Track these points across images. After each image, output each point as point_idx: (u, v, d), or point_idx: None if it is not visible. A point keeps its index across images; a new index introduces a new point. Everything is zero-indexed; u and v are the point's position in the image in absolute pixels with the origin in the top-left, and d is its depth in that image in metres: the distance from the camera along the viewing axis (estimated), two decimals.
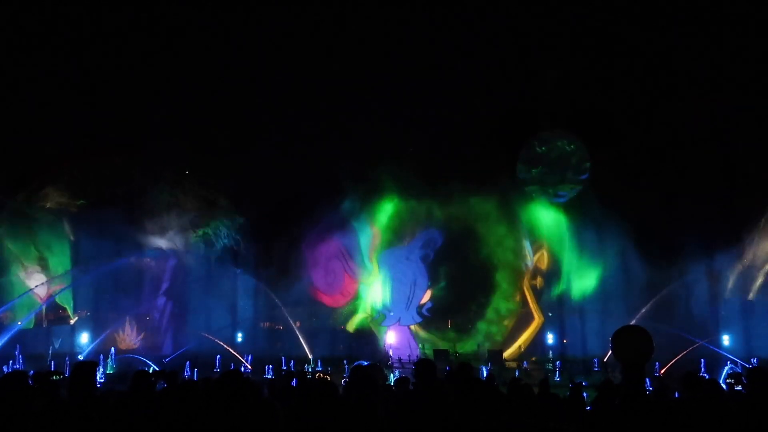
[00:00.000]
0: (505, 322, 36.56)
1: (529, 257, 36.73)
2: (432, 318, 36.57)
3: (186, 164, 46.12)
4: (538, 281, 36.79)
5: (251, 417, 4.99)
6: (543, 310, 36.54)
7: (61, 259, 38.72)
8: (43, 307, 37.10)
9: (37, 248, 38.54)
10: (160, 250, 37.33)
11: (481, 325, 36.41)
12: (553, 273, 36.61)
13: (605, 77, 46.69)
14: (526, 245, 36.76)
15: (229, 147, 43.05)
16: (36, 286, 35.95)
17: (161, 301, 37.59)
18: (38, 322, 37.35)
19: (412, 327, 36.54)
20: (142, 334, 36.71)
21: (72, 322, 38.92)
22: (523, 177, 45.03)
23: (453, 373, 14.31)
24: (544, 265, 36.68)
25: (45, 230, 38.61)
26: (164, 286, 37.44)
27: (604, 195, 38.88)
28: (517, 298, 36.74)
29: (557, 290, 36.26)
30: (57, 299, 37.21)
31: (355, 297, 37.47)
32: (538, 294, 36.78)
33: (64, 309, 38.33)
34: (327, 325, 37.82)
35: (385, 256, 36.80)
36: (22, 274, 37.58)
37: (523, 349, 35.60)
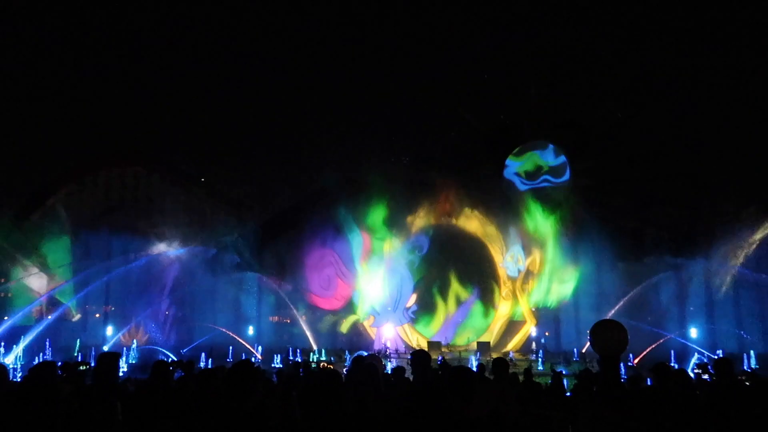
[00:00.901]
0: (496, 327, 35.44)
1: (521, 261, 35.96)
2: (420, 320, 35.69)
3: (201, 172, 46.22)
4: (530, 285, 35.55)
5: (267, 406, 4.98)
6: (535, 313, 35.33)
7: (58, 257, 38.43)
8: (43, 304, 36.78)
9: (36, 247, 38.29)
10: (173, 251, 36.99)
11: (470, 328, 35.38)
12: (542, 274, 35.66)
13: (584, 94, 46.85)
14: (518, 250, 35.91)
15: (238, 158, 43.29)
16: (54, 289, 35.51)
17: (172, 298, 37.17)
18: (39, 319, 36.71)
19: (406, 327, 35.70)
20: (147, 336, 35.93)
21: (74, 319, 38.68)
22: (510, 183, 45.07)
23: (446, 364, 14.30)
24: (535, 269, 35.80)
25: (45, 229, 38.38)
26: (168, 286, 36.91)
27: (583, 200, 38.94)
28: (509, 302, 35.62)
29: (542, 288, 35.65)
30: (59, 298, 36.71)
31: (348, 300, 37.20)
32: (529, 297, 35.49)
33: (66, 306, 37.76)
34: (324, 326, 37.46)
35: (374, 262, 36.41)
36: (24, 275, 37.28)
37: (514, 353, 33.29)
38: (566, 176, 43.30)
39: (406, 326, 35.64)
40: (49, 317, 32.81)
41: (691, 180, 45.46)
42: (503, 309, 35.70)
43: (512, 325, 35.70)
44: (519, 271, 35.61)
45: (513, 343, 34.58)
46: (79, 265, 36.85)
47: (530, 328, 35.02)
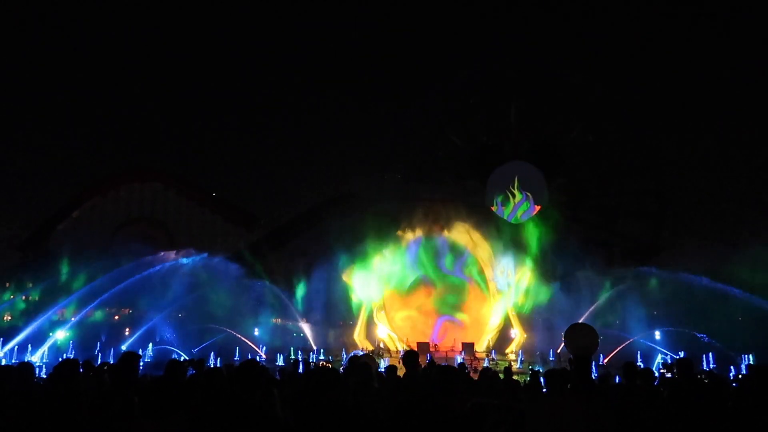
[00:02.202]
0: (487, 337, 34.03)
1: (511, 275, 34.43)
2: (408, 325, 35.04)
3: (212, 188, 46.16)
4: (521, 298, 34.16)
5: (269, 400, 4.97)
6: (523, 323, 33.92)
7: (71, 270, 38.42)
8: (66, 309, 36.29)
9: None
10: (186, 259, 36.49)
11: (456, 331, 34.40)
12: (519, 282, 34.88)
13: (559, 119, 47.22)
14: (508, 263, 34.74)
15: (244, 177, 43.49)
16: (64, 304, 34.80)
17: (184, 302, 36.50)
18: (62, 323, 35.87)
19: (392, 333, 34.89)
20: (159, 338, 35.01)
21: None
22: (491, 201, 45.17)
23: (433, 362, 14.26)
24: (525, 282, 34.19)
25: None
26: (180, 291, 36.21)
27: (559, 215, 39.06)
28: (499, 314, 34.14)
29: (519, 294, 35.14)
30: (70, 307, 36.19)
31: (339, 310, 36.71)
32: (519, 309, 34.19)
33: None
34: (320, 330, 37.10)
35: (361, 275, 35.10)
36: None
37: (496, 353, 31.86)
38: (541, 193, 43.26)
39: (393, 333, 34.78)
40: (73, 318, 32.51)
41: (655, 196, 45.77)
42: (494, 321, 34.39)
43: (503, 339, 34.70)
44: (509, 285, 34.48)
45: (509, 349, 33.48)
46: (96, 272, 36.21)
47: (521, 342, 33.58)
